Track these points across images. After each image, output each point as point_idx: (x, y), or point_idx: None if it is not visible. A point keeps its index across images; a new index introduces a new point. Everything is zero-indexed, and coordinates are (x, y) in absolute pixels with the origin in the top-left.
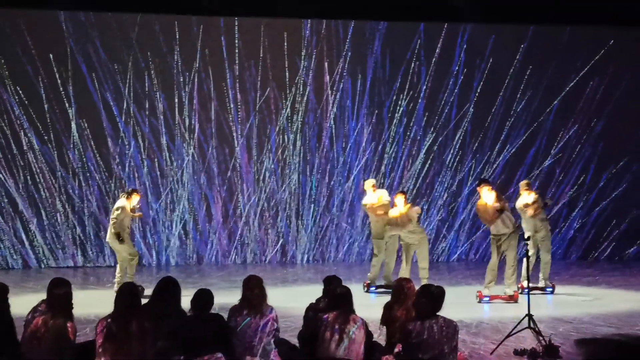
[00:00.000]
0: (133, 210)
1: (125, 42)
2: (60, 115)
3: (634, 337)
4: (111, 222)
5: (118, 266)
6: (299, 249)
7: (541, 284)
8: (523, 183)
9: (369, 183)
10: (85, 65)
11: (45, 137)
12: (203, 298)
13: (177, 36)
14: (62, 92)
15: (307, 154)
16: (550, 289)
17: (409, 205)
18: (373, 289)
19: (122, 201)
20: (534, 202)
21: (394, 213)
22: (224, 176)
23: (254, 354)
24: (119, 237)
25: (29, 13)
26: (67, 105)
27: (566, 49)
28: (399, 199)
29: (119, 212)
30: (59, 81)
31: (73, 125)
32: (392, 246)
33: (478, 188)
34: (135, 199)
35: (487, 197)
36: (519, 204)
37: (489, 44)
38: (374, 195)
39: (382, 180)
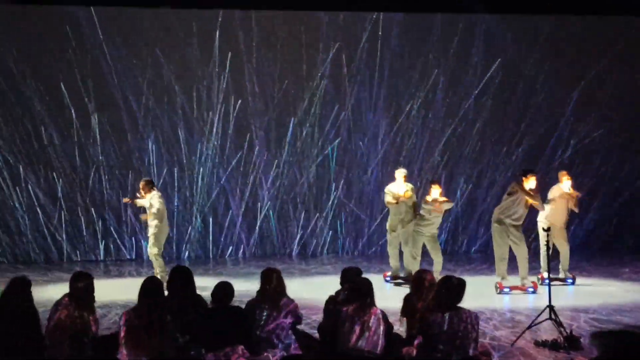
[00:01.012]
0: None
1: (143, 36)
2: (81, 111)
3: None
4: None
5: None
6: (318, 240)
7: (561, 275)
8: (564, 172)
9: (401, 173)
10: (104, 60)
11: (66, 133)
12: (223, 291)
13: (195, 30)
14: (82, 88)
15: (325, 146)
16: (571, 280)
17: (444, 198)
18: (388, 278)
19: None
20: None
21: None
22: (243, 169)
23: (274, 345)
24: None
25: (46, 9)
26: (86, 100)
27: (586, 39)
28: (436, 190)
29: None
30: (78, 76)
31: (93, 119)
32: (412, 238)
33: (525, 178)
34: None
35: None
36: (557, 193)
37: (507, 34)
38: (402, 186)
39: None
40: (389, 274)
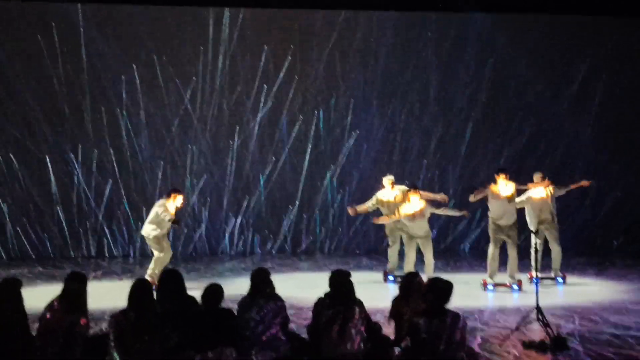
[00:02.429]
0: (178, 209)
1: (134, 33)
2: (74, 108)
3: None
4: (154, 220)
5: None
6: (310, 238)
7: (552, 274)
8: (537, 175)
9: (388, 180)
10: (97, 57)
11: (59, 129)
12: (213, 293)
13: (186, 28)
14: (76, 85)
15: (318, 144)
16: (562, 279)
17: (423, 202)
18: (391, 278)
19: (163, 201)
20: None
21: (408, 211)
22: (235, 166)
23: (263, 346)
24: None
25: (38, 5)
26: (80, 97)
27: (577, 39)
28: (415, 196)
29: (162, 210)
30: (72, 73)
31: (86, 116)
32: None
33: (497, 176)
34: (179, 199)
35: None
36: (530, 196)
37: (499, 34)
38: (391, 192)
39: (394, 170)
40: (387, 271)
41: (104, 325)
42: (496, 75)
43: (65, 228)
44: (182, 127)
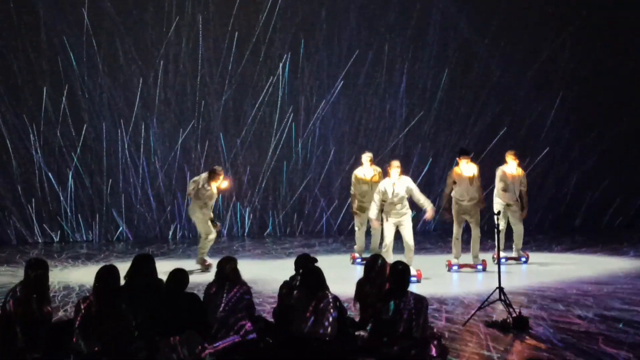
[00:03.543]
0: (219, 189)
1: (99, 14)
2: (34, 90)
3: None
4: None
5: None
6: (277, 221)
7: (515, 254)
8: (510, 152)
9: (367, 157)
10: (57, 37)
11: (19, 112)
12: (177, 277)
13: (151, 8)
14: (35, 66)
15: (284, 127)
16: (524, 259)
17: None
18: (359, 261)
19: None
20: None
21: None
22: (202, 150)
23: (228, 329)
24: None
25: None
26: (40, 80)
27: (540, 18)
28: (396, 171)
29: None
30: (31, 55)
31: (45, 98)
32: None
33: (458, 159)
34: (220, 179)
35: (468, 168)
36: (503, 170)
37: (463, 14)
38: (369, 170)
39: (360, 153)
40: (356, 255)
41: (69, 311)
42: (460, 55)
43: (28, 212)
44: (145, 108)
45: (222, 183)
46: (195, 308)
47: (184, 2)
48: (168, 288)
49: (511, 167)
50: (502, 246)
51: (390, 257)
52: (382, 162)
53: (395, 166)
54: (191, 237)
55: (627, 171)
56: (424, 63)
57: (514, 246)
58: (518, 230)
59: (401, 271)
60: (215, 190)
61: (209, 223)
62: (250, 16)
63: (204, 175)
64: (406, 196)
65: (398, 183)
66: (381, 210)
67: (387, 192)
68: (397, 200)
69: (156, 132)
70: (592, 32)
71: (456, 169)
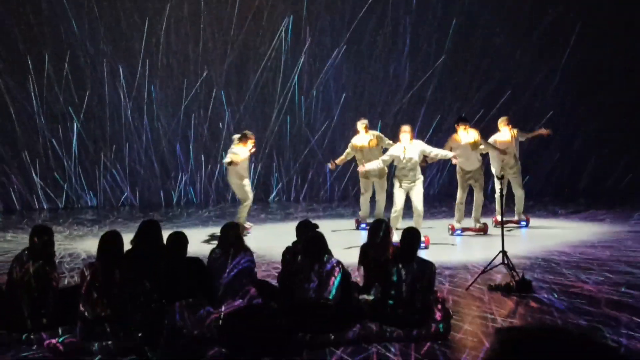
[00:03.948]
0: (252, 152)
1: None
2: (36, 56)
3: (551, 327)
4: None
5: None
6: (282, 187)
7: (516, 217)
8: (503, 119)
9: (362, 124)
10: (59, 4)
11: (21, 78)
12: (176, 241)
13: None
14: (37, 32)
15: (287, 93)
16: (525, 222)
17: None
18: (364, 226)
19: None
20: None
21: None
22: (205, 116)
23: (233, 294)
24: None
25: None
26: (42, 46)
27: None
28: (405, 135)
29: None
30: (33, 21)
31: (47, 65)
32: (380, 186)
33: (457, 126)
34: (250, 143)
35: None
36: (495, 139)
37: None
38: (365, 137)
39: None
40: (361, 220)
41: (75, 278)
42: (464, 19)
43: (32, 179)
44: (148, 75)
45: (252, 148)
46: (199, 273)
47: None
48: (168, 251)
49: (504, 134)
50: (503, 210)
51: (400, 223)
52: (385, 127)
53: (404, 131)
54: (196, 202)
55: (632, 135)
56: (428, 27)
57: (515, 210)
58: (518, 194)
59: (411, 237)
60: (246, 155)
61: (245, 188)
62: None
63: (236, 140)
64: (419, 161)
65: (409, 147)
66: (393, 175)
67: (399, 156)
68: (410, 166)
69: (159, 98)
70: None
71: (455, 136)
